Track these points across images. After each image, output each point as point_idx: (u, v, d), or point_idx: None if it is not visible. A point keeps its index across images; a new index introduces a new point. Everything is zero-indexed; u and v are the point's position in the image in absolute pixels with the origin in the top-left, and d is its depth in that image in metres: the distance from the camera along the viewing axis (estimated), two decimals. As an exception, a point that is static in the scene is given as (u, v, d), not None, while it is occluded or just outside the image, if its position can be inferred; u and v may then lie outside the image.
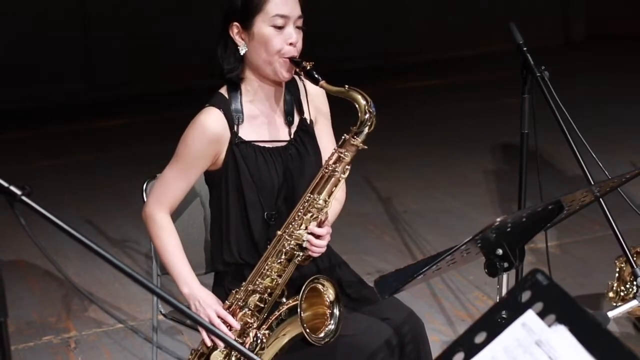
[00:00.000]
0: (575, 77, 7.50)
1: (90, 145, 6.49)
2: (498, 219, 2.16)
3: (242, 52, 2.58)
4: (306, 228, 2.51)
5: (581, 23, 9.20)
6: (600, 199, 2.65)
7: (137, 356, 3.71)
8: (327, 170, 2.50)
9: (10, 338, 1.93)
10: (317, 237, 2.52)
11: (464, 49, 8.65)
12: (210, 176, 2.67)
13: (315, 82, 2.51)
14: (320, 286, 2.48)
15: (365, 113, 2.44)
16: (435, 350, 2.70)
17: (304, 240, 2.51)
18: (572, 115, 2.83)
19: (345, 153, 2.48)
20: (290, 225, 2.52)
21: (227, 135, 2.59)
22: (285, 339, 2.51)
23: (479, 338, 1.51)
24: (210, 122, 2.58)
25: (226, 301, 2.61)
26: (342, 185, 2.57)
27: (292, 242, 2.52)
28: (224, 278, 2.71)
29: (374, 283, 2.34)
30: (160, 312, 2.94)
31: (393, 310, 2.67)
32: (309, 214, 2.51)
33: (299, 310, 2.41)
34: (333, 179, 2.50)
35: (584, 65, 8.32)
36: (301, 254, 2.53)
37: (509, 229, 2.27)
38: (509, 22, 3.09)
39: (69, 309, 4.10)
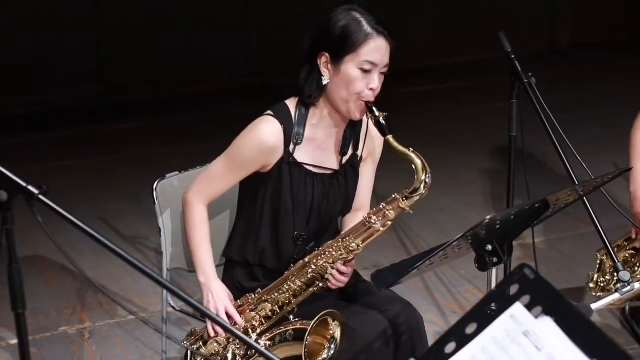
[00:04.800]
0: (561, 83, 7.49)
1: (103, 146, 6.48)
2: (488, 217, 2.16)
3: (324, 82, 2.51)
4: (333, 263, 2.50)
5: (566, 32, 9.19)
6: (584, 198, 2.65)
7: (147, 346, 3.71)
8: (368, 221, 2.46)
9: (28, 329, 1.94)
10: (341, 273, 2.52)
11: (456, 56, 8.64)
12: (251, 175, 2.61)
13: (383, 134, 2.45)
14: (330, 319, 2.46)
15: (421, 182, 2.41)
16: (429, 340, 2.70)
17: (327, 273, 2.50)
18: (557, 119, 2.83)
19: (390, 212, 2.44)
20: (320, 257, 2.51)
21: (281, 149, 2.53)
22: (283, 355, 2.50)
23: (470, 329, 1.51)
24: (269, 134, 2.51)
25: (238, 300, 2.60)
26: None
27: (317, 271, 2.51)
28: (235, 268, 2.71)
29: (371, 277, 2.35)
30: (170, 304, 2.94)
31: (390, 302, 2.66)
32: (339, 253, 2.50)
33: (306, 336, 2.39)
34: (371, 229, 2.47)
35: (568, 71, 8.31)
36: (321, 284, 2.53)
37: (498, 226, 2.27)
38: (499, 32, 3.09)
39: (84, 302, 4.10)
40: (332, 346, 2.45)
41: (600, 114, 6.79)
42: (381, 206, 2.46)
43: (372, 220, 2.46)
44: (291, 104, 2.57)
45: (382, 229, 2.46)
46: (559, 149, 2.83)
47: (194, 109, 7.32)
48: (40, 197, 1.83)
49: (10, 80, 7.16)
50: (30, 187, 1.84)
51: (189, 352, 2.62)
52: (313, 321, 2.41)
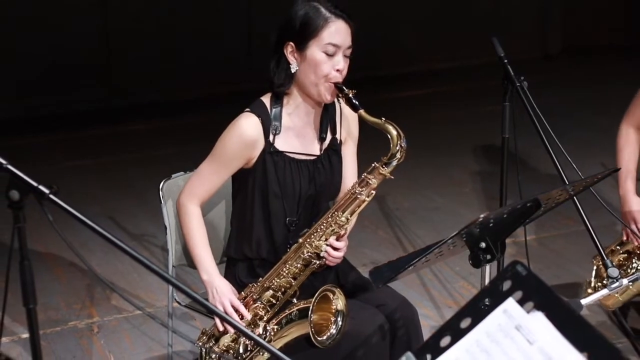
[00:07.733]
0: (552, 86, 7.49)
1: (111, 147, 6.48)
2: (482, 215, 2.16)
3: (293, 70, 2.56)
4: (326, 240, 2.51)
5: (557, 38, 9.19)
6: (574, 197, 2.65)
7: (154, 340, 3.71)
8: (353, 192, 2.49)
9: (39, 323, 1.94)
10: (335, 249, 2.52)
11: (450, 61, 8.63)
12: (238, 173, 2.64)
13: (355, 109, 2.49)
14: (331, 294, 2.46)
15: (397, 146, 2.44)
16: (425, 334, 2.70)
17: (322, 251, 2.51)
18: (548, 121, 2.83)
19: (372, 180, 2.47)
20: (312, 236, 2.52)
21: (262, 141, 2.57)
22: (291, 337, 2.50)
23: (464, 323, 1.51)
24: (248, 127, 2.55)
25: (242, 292, 2.61)
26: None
27: (312, 250, 2.51)
28: (237, 265, 2.71)
29: (369, 273, 2.35)
30: (175, 299, 2.94)
31: (387, 298, 2.66)
32: (330, 229, 2.51)
33: (309, 314, 2.40)
34: (357, 200, 2.49)
35: (559, 76, 8.31)
36: (318, 262, 2.53)
37: (491, 224, 2.27)
38: (492, 37, 3.09)
39: (92, 297, 4.10)
40: (339, 319, 2.44)
41: (589, 117, 6.79)
42: (363, 176, 2.49)
43: (357, 191, 2.49)
44: (266, 98, 2.63)
45: (367, 198, 2.50)
46: (550, 150, 2.83)
47: (199, 111, 7.31)
48: (51, 196, 1.83)
49: (19, 83, 7.15)
50: (41, 187, 1.84)
51: (203, 352, 2.61)
52: (314, 297, 2.42)
